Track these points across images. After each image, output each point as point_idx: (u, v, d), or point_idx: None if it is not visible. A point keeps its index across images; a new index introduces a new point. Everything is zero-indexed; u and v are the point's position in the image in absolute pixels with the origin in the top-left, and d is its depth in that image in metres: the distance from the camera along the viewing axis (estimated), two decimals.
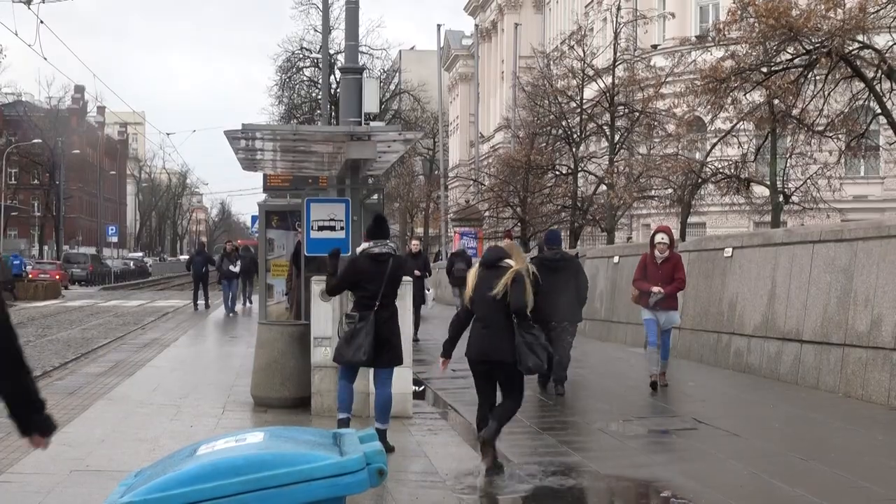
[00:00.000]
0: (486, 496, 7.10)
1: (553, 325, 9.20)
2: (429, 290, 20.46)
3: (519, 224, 33.46)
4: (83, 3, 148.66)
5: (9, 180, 68.26)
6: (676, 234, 26.34)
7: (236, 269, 26.26)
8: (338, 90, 33.60)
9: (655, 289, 11.38)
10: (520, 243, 30.43)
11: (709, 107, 23.59)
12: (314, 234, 10.37)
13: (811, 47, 20.80)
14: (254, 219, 33.86)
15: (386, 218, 9.16)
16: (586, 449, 8.47)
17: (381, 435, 7.90)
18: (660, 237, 11.58)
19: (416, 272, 17.15)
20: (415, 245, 19.93)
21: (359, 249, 8.52)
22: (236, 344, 18.11)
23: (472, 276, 7.56)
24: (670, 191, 27.56)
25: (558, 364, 10.46)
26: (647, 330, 11.67)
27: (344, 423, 8.16)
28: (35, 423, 4.23)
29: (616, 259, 18.75)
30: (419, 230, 60.70)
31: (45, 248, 74.20)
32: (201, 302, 28.13)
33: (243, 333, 20.20)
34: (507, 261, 7.37)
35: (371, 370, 8.54)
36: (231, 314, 25.27)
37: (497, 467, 7.33)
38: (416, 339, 16.29)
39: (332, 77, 38.66)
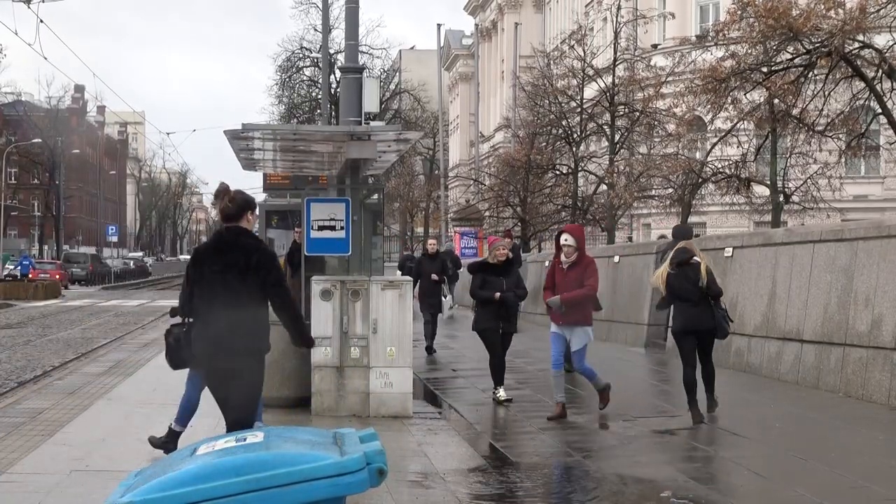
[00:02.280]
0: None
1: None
2: (446, 296, 19.19)
3: (519, 224, 33.46)
4: (81, 3, 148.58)
5: (9, 180, 68.24)
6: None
7: None
8: (338, 90, 33.60)
9: (554, 300, 9.70)
10: (520, 243, 30.45)
11: (709, 106, 23.60)
12: (314, 234, 10.37)
13: (811, 47, 20.80)
14: None
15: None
16: (586, 448, 8.46)
17: (174, 436, 7.72)
18: (564, 238, 9.84)
19: (434, 276, 16.09)
20: (431, 245, 17.91)
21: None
22: None
23: (663, 271, 9.64)
24: (670, 190, 27.56)
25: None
26: (551, 347, 9.94)
27: (177, 437, 7.71)
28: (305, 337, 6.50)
29: (616, 259, 18.74)
30: (419, 230, 60.73)
31: (45, 247, 74.22)
32: None
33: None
34: (696, 258, 9.53)
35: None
36: None
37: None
38: (431, 350, 15.69)
39: (332, 77, 38.67)
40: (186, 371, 7.11)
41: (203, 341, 5.83)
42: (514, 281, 10.93)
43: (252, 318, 5.81)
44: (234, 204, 5.95)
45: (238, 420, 5.72)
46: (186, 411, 7.80)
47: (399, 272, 31.73)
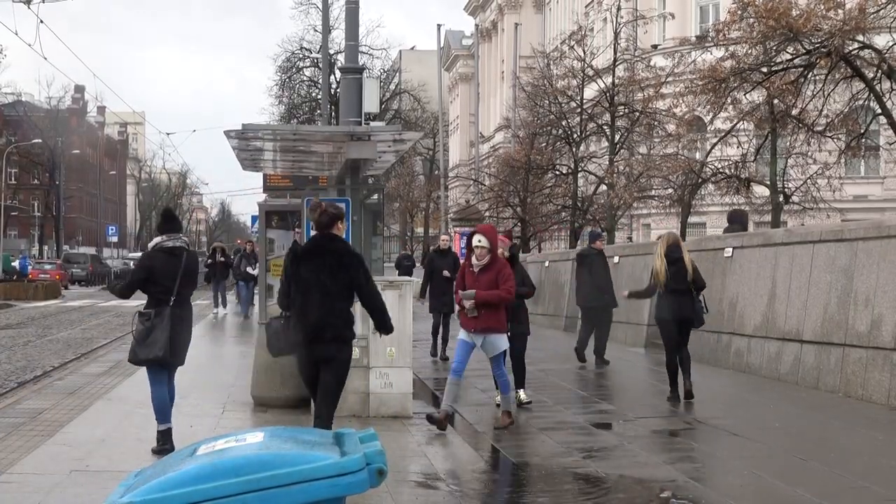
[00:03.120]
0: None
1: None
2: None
3: (519, 224, 33.47)
4: (81, 3, 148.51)
5: (9, 180, 68.22)
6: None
7: (255, 271, 25.45)
8: (338, 90, 33.60)
9: (468, 303, 8.91)
10: (520, 243, 30.46)
11: (708, 107, 23.60)
12: (314, 234, 10.37)
13: (811, 47, 20.81)
14: (254, 219, 33.82)
15: (174, 212, 9.11)
16: (586, 448, 8.47)
17: (166, 435, 7.93)
18: (477, 239, 9.07)
19: (446, 272, 15.08)
20: (444, 241, 16.81)
21: (150, 245, 8.30)
22: (236, 344, 18.13)
23: (661, 264, 10.91)
24: (670, 191, 27.57)
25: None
26: (455, 353, 9.19)
27: (168, 435, 7.95)
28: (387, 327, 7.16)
29: (616, 259, 18.74)
30: (419, 230, 60.74)
31: (45, 248, 74.22)
32: (219, 309, 26.15)
33: (243, 333, 20.21)
34: (683, 255, 10.99)
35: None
36: (247, 317, 23.88)
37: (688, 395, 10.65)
38: (444, 357, 15.05)
39: (332, 77, 38.67)
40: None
41: (300, 331, 6.82)
42: (518, 280, 10.37)
43: (341, 310, 6.88)
44: (325, 216, 6.99)
45: (329, 398, 6.86)
46: (163, 407, 7.98)
47: (396, 272, 31.85)
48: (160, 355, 7.76)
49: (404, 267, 34.67)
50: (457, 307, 9.38)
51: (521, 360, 10.56)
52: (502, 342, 9.18)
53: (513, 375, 10.44)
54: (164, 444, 7.86)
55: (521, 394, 10.52)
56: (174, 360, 7.98)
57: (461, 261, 11.63)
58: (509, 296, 9.10)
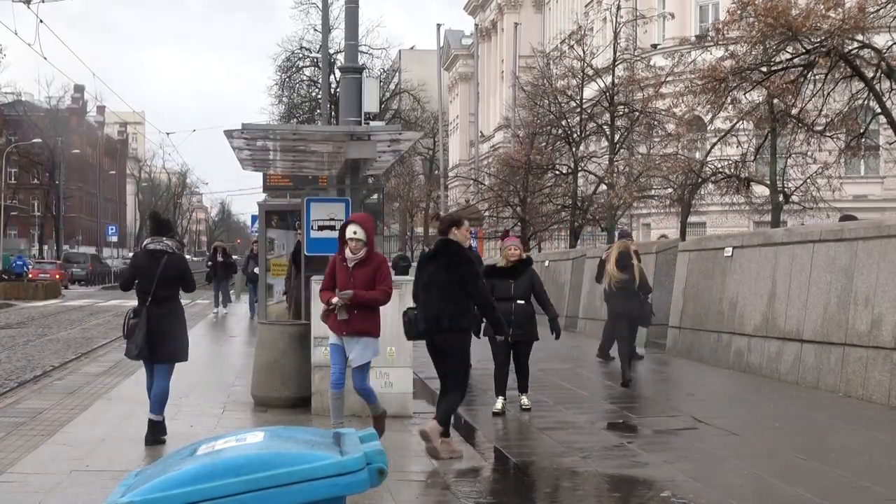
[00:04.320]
0: (489, 493, 7.10)
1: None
2: None
3: (519, 224, 33.46)
4: (81, 3, 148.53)
5: (9, 180, 68.23)
6: (675, 234, 26.60)
7: None
8: (338, 90, 33.59)
9: (336, 299, 8.06)
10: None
11: (708, 106, 23.59)
12: (314, 234, 10.39)
13: (811, 47, 20.80)
14: (254, 218, 33.81)
15: (160, 216, 9.52)
16: (586, 448, 8.46)
17: (157, 425, 8.32)
18: (352, 230, 8.13)
19: None
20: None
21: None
22: (236, 344, 18.13)
23: (613, 269, 12.34)
24: (670, 190, 27.56)
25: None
26: (331, 363, 8.41)
27: (160, 427, 8.33)
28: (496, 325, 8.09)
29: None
30: (419, 230, 60.72)
31: (45, 247, 74.22)
32: (220, 309, 26.06)
33: (243, 333, 20.22)
34: (633, 261, 12.42)
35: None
36: (252, 318, 23.18)
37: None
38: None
39: (331, 77, 38.66)
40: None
41: (423, 322, 7.88)
42: (528, 284, 10.12)
43: (456, 304, 7.79)
44: (443, 223, 8.24)
45: (454, 382, 7.92)
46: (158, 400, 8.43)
47: (393, 271, 31.79)
48: (136, 353, 8.30)
49: (400, 268, 34.70)
50: (321, 307, 8.40)
51: (526, 365, 10.36)
52: (373, 349, 8.27)
53: (518, 379, 10.32)
54: (155, 433, 8.36)
55: (525, 399, 10.35)
56: (154, 357, 8.36)
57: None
58: (387, 298, 8.22)
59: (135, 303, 8.54)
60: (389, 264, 10.53)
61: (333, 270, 8.26)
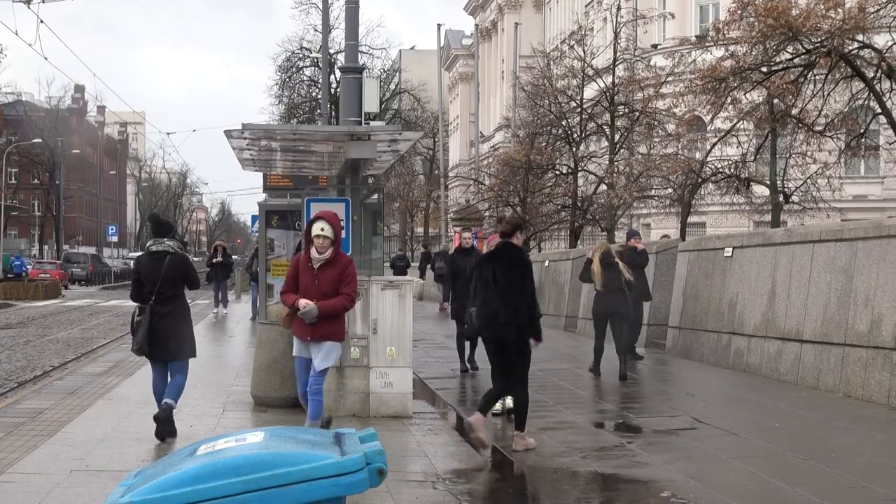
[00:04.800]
0: (489, 495, 7.10)
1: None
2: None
3: (517, 222, 33.41)
4: (82, 3, 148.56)
5: (9, 180, 68.20)
6: (675, 234, 26.58)
7: None
8: (338, 90, 33.59)
9: (303, 303, 7.73)
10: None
11: (708, 107, 23.59)
12: None
13: (811, 47, 20.80)
14: (254, 218, 33.83)
15: (160, 217, 9.62)
16: (586, 448, 8.47)
17: (166, 412, 8.49)
18: (319, 227, 7.72)
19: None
20: (467, 239, 14.78)
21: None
22: (236, 344, 18.13)
23: (598, 268, 12.68)
24: (670, 190, 27.55)
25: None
26: (298, 380, 8.27)
27: (157, 418, 8.47)
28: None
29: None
30: (419, 230, 60.73)
31: (45, 247, 74.21)
32: (219, 309, 25.95)
33: (242, 333, 20.21)
34: (616, 260, 12.72)
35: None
36: (253, 318, 22.80)
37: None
38: (466, 369, 13.41)
39: (332, 77, 38.68)
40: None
41: (483, 318, 8.32)
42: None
43: (513, 302, 8.21)
44: (508, 226, 8.58)
45: (519, 377, 8.42)
46: (156, 394, 8.68)
47: (391, 271, 31.87)
48: (136, 349, 8.59)
49: (398, 267, 34.79)
50: (282, 309, 7.98)
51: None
52: (336, 354, 8.05)
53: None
54: (164, 422, 8.56)
55: (509, 401, 9.80)
56: (161, 354, 8.59)
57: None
58: (351, 304, 7.95)
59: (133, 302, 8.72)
60: (389, 262, 10.50)
61: (297, 271, 7.87)
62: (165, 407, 8.48)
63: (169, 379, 8.71)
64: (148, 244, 8.90)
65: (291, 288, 7.88)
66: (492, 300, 8.23)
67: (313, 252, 7.72)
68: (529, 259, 9.06)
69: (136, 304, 8.81)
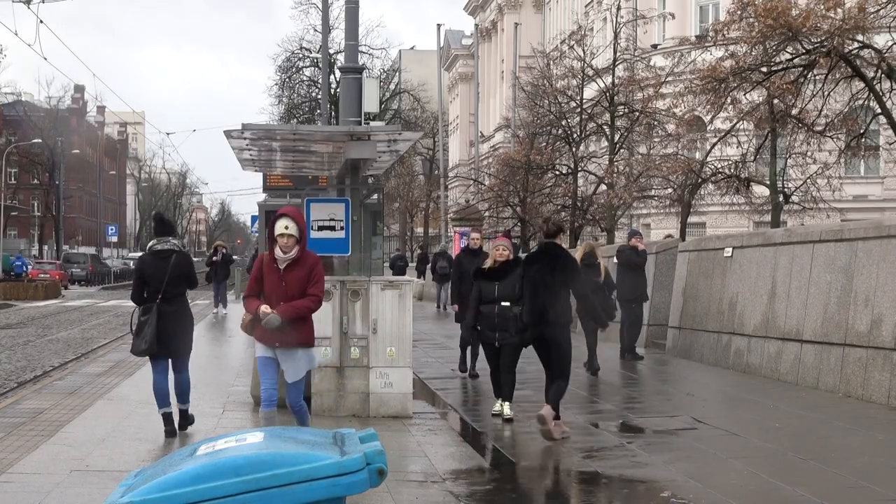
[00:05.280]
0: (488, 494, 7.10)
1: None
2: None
3: (519, 224, 33.46)
4: (82, 3, 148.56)
5: (9, 180, 68.21)
6: (675, 234, 26.61)
7: None
8: (338, 90, 33.59)
9: (265, 308, 7.07)
10: (519, 243, 30.45)
11: (708, 107, 23.58)
12: (314, 234, 10.37)
13: (811, 47, 20.79)
14: (254, 219, 33.86)
15: (165, 216, 9.78)
16: (586, 448, 8.47)
17: (183, 414, 8.79)
18: (283, 225, 7.10)
19: None
20: (475, 240, 14.10)
21: (148, 246, 9.17)
22: (236, 344, 18.12)
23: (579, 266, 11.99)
24: (670, 190, 27.54)
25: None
26: (260, 378, 7.45)
27: (167, 417, 8.70)
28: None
29: (615, 259, 18.73)
30: (419, 230, 60.74)
31: (45, 247, 74.20)
32: (219, 309, 25.99)
33: (242, 333, 20.18)
34: (598, 261, 13.22)
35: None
36: None
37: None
38: (473, 375, 12.91)
39: (331, 77, 38.68)
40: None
41: (529, 316, 8.81)
42: (513, 286, 9.53)
43: (560, 300, 8.69)
44: (552, 227, 9.13)
45: (560, 370, 8.86)
46: (160, 393, 8.74)
47: (391, 271, 31.88)
48: (144, 348, 8.58)
49: (398, 267, 34.82)
50: (244, 314, 7.38)
51: (511, 371, 9.78)
52: (308, 361, 7.36)
53: (503, 387, 9.77)
54: (166, 425, 8.67)
55: (506, 408, 9.74)
56: (165, 352, 8.70)
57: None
58: (317, 306, 7.30)
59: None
60: (388, 262, 10.54)
61: (261, 273, 7.26)
62: (184, 412, 8.77)
63: (171, 377, 8.79)
64: (151, 244, 8.92)
65: (255, 291, 7.29)
66: (538, 298, 8.69)
67: (278, 252, 7.15)
68: (574, 257, 9.56)
69: (136, 304, 8.84)
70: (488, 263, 9.90)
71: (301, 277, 7.15)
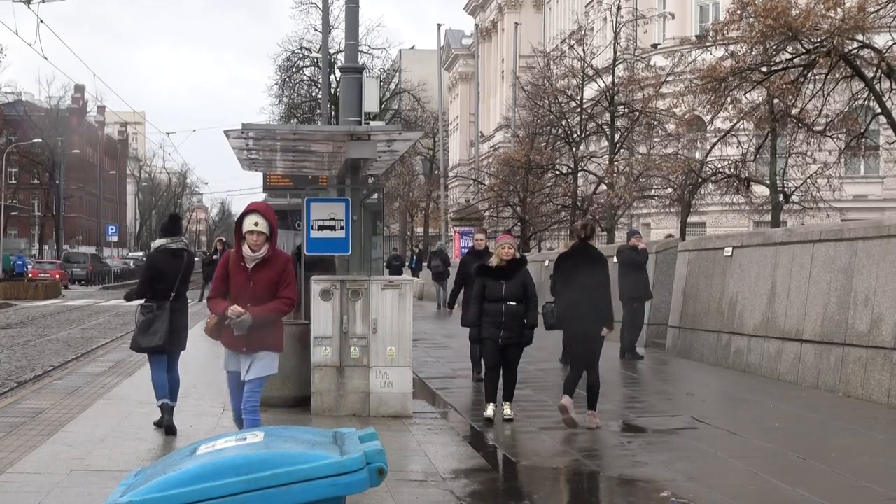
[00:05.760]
0: (488, 495, 7.10)
1: None
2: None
3: (519, 224, 33.46)
4: (82, 3, 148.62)
5: (9, 180, 68.17)
6: (675, 234, 26.63)
7: None
8: (338, 90, 33.59)
9: (234, 311, 6.59)
10: (520, 243, 30.44)
11: (708, 106, 23.58)
12: (314, 234, 10.38)
13: (811, 47, 20.80)
14: None
15: (179, 216, 9.95)
16: (586, 448, 8.47)
17: (170, 411, 8.79)
18: (252, 221, 6.63)
19: None
20: (479, 241, 13.62)
21: (154, 246, 9.26)
22: None
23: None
24: (670, 190, 27.55)
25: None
26: (230, 397, 7.10)
27: (167, 409, 8.79)
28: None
29: (615, 258, 18.73)
30: (419, 230, 60.74)
31: (45, 247, 74.21)
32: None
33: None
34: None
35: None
36: None
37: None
38: (480, 378, 11.80)
39: (332, 76, 38.67)
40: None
41: (566, 311, 9.32)
42: (520, 285, 9.43)
43: (595, 297, 9.16)
44: (588, 230, 9.56)
45: (591, 362, 9.40)
46: (160, 385, 8.86)
47: (387, 270, 31.89)
48: (160, 344, 8.70)
49: (394, 267, 34.86)
50: (209, 317, 6.89)
51: (514, 371, 9.69)
52: (273, 364, 6.83)
53: (502, 388, 9.66)
54: (165, 413, 8.81)
55: (507, 408, 9.65)
56: (172, 348, 8.91)
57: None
58: (290, 309, 6.87)
59: (138, 301, 8.84)
60: (385, 262, 10.53)
61: (226, 272, 6.73)
62: (170, 408, 8.82)
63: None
64: (163, 242, 9.01)
65: (220, 292, 6.75)
66: (574, 296, 9.20)
67: (246, 250, 6.62)
68: (605, 257, 10.02)
69: (141, 301, 8.90)
70: (494, 262, 9.59)
71: (270, 278, 6.63)
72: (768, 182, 24.16)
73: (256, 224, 6.59)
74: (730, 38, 22.43)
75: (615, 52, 30.19)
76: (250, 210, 6.71)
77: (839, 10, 20.46)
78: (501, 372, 9.67)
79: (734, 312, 13.75)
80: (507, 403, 9.71)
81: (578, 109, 30.99)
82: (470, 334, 10.03)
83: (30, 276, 47.01)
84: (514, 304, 9.37)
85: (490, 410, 9.66)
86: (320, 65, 42.31)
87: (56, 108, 75.97)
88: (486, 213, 37.01)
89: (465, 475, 7.55)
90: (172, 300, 8.75)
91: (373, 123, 14.22)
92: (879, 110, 21.24)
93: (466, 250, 14.66)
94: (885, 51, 20.89)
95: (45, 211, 75.72)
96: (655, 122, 28.93)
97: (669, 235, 29.29)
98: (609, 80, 29.77)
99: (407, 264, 39.72)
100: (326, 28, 30.43)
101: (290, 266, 6.82)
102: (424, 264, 37.30)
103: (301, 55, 51.23)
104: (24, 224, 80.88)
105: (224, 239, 30.83)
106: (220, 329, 6.74)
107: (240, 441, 3.80)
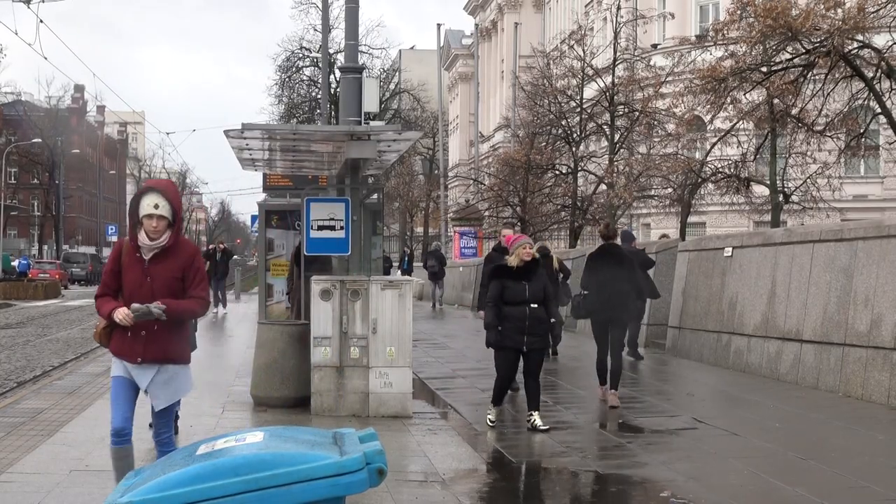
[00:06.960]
0: (490, 494, 7.10)
1: None
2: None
3: (519, 224, 33.45)
4: (77, 2, 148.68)
5: (9, 180, 68.23)
6: (675, 234, 26.59)
7: None
8: (338, 89, 33.60)
9: (122, 315, 5.32)
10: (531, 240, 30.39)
11: (708, 106, 23.57)
12: (314, 234, 10.38)
13: (810, 47, 20.79)
14: (254, 218, 33.86)
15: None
16: (586, 448, 8.47)
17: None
18: (150, 202, 5.34)
19: None
20: (509, 237, 11.99)
21: None
22: (236, 344, 18.13)
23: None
24: (670, 190, 27.54)
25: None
26: (112, 406, 5.75)
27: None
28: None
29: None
30: (419, 230, 60.74)
31: (45, 247, 74.22)
32: (219, 309, 25.91)
33: (242, 333, 20.21)
34: (551, 253, 14.21)
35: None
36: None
37: None
38: (517, 388, 11.04)
39: (331, 76, 38.68)
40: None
41: (597, 303, 10.61)
42: (541, 286, 9.10)
43: (622, 290, 10.58)
44: (611, 231, 11.35)
45: (618, 350, 10.76)
46: None
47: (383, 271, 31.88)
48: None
49: (383, 268, 34.76)
50: (99, 322, 5.60)
51: (537, 377, 9.26)
52: (186, 382, 5.70)
53: (528, 394, 9.28)
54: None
55: (536, 417, 9.19)
56: None
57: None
58: (205, 310, 5.71)
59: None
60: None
61: (118, 266, 5.46)
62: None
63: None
64: None
65: (110, 289, 5.49)
66: (604, 289, 10.50)
67: (142, 238, 5.38)
68: (629, 255, 11.32)
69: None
70: (514, 262, 9.12)
71: (172, 273, 5.38)
72: (768, 182, 24.15)
73: (157, 206, 5.30)
74: (730, 39, 22.42)
75: (615, 52, 30.17)
76: (148, 188, 5.44)
77: (839, 10, 20.44)
78: (525, 380, 9.25)
79: (734, 312, 13.75)
80: (537, 413, 9.22)
81: (578, 109, 30.97)
82: (487, 338, 9.25)
83: (29, 276, 47.09)
84: (536, 305, 9.01)
85: (494, 415, 9.50)
86: (320, 65, 42.31)
87: (56, 107, 75.98)
88: (486, 214, 36.99)
89: (465, 475, 7.55)
90: None
91: (372, 123, 14.22)
92: (879, 110, 21.22)
93: (492, 248, 13.83)
94: (884, 51, 20.88)
95: (44, 211, 75.74)
96: (655, 122, 28.90)
97: (664, 236, 29.28)
98: (609, 80, 29.75)
99: (397, 265, 39.64)
100: (326, 28, 30.43)
101: (200, 259, 5.62)
102: (419, 265, 37.32)
103: (301, 55, 51.24)
104: (24, 224, 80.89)
105: (224, 243, 30.84)
106: (109, 333, 5.51)
107: (239, 441, 3.79)
